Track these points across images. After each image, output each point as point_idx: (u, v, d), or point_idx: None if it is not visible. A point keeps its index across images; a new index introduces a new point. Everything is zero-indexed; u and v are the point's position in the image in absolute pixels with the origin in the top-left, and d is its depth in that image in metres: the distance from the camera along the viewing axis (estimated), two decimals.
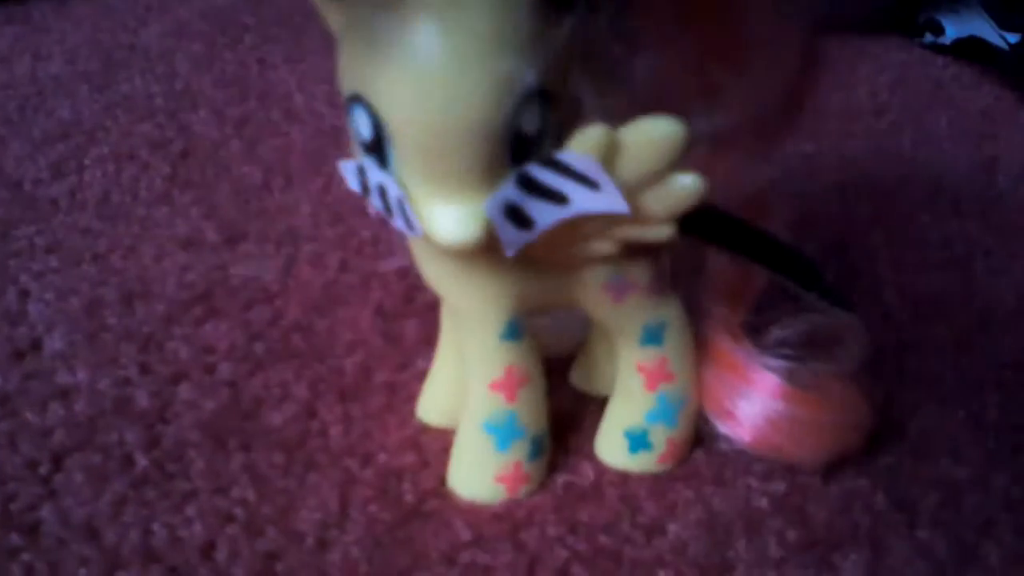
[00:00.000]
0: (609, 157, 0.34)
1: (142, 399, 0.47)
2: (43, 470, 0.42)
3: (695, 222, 0.37)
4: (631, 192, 0.35)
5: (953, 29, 0.91)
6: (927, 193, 0.68)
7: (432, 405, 0.46)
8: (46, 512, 0.41)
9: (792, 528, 0.41)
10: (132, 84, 0.80)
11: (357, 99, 0.33)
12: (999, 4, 0.88)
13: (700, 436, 0.45)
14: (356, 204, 0.63)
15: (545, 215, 0.34)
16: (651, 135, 0.34)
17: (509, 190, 0.33)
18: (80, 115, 0.74)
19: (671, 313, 0.42)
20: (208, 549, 0.39)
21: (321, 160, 0.68)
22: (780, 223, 0.43)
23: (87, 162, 0.68)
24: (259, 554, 0.39)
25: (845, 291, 0.51)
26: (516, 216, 0.34)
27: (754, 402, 0.42)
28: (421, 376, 0.47)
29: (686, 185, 0.35)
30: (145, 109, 0.76)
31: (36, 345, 0.50)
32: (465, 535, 0.40)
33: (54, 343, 0.50)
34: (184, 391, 0.47)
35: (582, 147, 0.33)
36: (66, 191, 0.64)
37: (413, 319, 0.52)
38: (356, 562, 0.39)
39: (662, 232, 0.37)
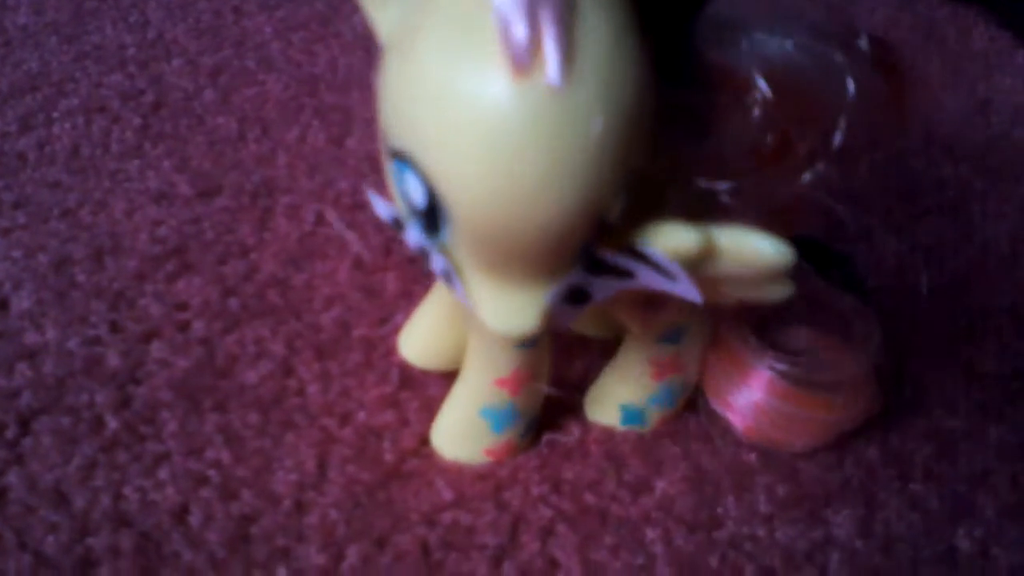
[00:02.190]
0: (701, 262, 0.30)
1: (113, 359, 0.45)
2: (9, 434, 0.41)
3: None
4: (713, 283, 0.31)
5: None
6: (919, 137, 0.67)
7: (416, 345, 0.44)
8: (13, 477, 0.39)
9: (782, 483, 0.40)
10: (103, 34, 0.77)
11: (405, 158, 0.27)
12: None
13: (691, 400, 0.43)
14: (334, 155, 0.61)
15: (605, 290, 0.31)
16: (756, 252, 0.30)
17: (576, 276, 0.30)
18: (48, 66, 0.72)
19: (693, 317, 0.39)
20: (181, 513, 0.38)
21: (298, 110, 0.66)
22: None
23: (56, 115, 0.65)
24: (234, 517, 0.38)
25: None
26: (575, 296, 0.31)
27: (750, 393, 0.41)
28: (401, 331, 0.45)
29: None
30: (116, 59, 0.73)
31: (3, 304, 0.48)
32: (447, 495, 0.39)
33: (21, 302, 0.48)
34: (156, 350, 0.46)
35: (671, 248, 0.29)
36: (34, 144, 0.62)
37: (392, 272, 0.51)
38: (334, 524, 0.38)
39: (782, 293, 0.33)
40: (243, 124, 0.65)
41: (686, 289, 0.30)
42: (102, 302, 0.49)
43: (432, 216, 0.28)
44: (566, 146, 0.25)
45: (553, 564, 0.37)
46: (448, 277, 0.30)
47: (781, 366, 0.40)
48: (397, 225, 0.31)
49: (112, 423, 0.42)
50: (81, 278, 0.50)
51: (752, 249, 0.30)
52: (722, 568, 0.37)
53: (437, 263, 0.30)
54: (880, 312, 0.48)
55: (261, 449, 0.41)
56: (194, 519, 0.38)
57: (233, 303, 0.49)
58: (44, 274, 0.50)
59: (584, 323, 0.46)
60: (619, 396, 0.42)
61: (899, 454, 0.42)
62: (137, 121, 0.65)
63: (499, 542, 0.37)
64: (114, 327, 0.47)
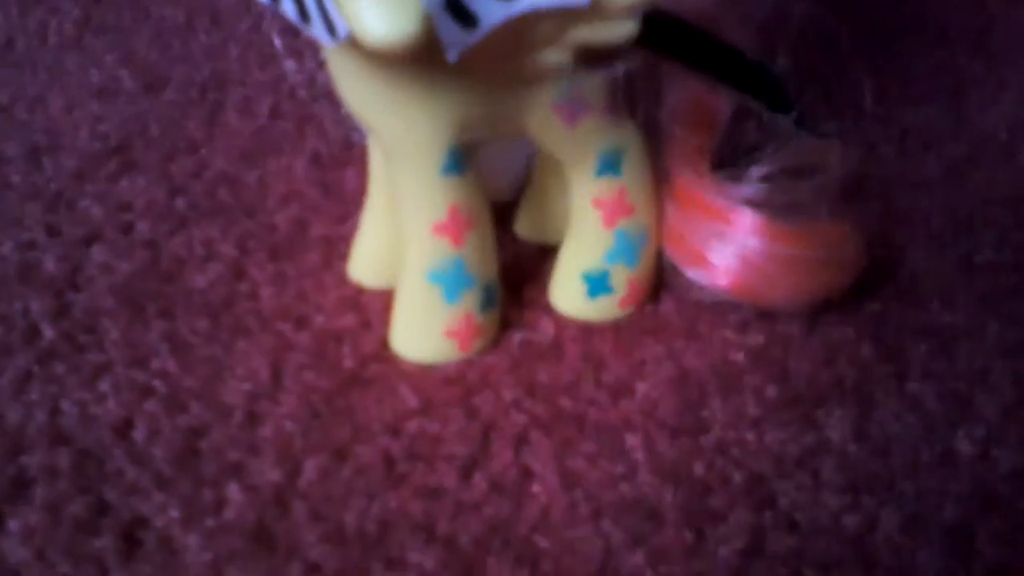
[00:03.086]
0: None
1: (49, 264, 0.42)
2: None
3: (652, 32, 0.33)
4: None
5: None
6: (913, 20, 0.63)
7: (365, 263, 0.41)
8: None
9: (771, 384, 0.38)
10: None
11: None
12: None
13: (669, 286, 0.40)
14: (290, 44, 0.57)
15: (491, 10, 0.29)
16: None
17: None
18: None
19: (629, 139, 0.38)
20: (124, 428, 0.35)
21: None
22: (745, 41, 0.39)
23: None
24: (181, 431, 0.35)
25: (823, 122, 0.47)
26: (458, 11, 0.29)
27: (727, 241, 0.38)
28: None
29: None
30: None
31: None
32: (411, 402, 0.36)
33: None
34: (97, 253, 0.42)
35: None
36: None
37: (352, 167, 0.47)
38: (290, 436, 0.35)
39: (623, 31, 0.32)
40: (191, 14, 0.61)
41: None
42: (38, 204, 0.45)
43: None
44: None
45: (527, 474, 0.34)
46: (321, 4, 0.29)
47: (756, 194, 0.38)
48: None
49: (48, 332, 0.39)
50: (15, 179, 0.47)
51: None
52: (708, 475, 0.34)
53: None
54: (872, 202, 0.46)
55: (211, 357, 0.38)
56: (138, 434, 0.35)
57: (180, 203, 0.45)
58: None
59: (531, 224, 0.44)
60: (577, 263, 0.40)
61: (895, 351, 0.39)
62: (77, 12, 0.60)
63: (469, 452, 0.35)
64: (51, 230, 0.44)
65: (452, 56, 0.30)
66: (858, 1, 0.63)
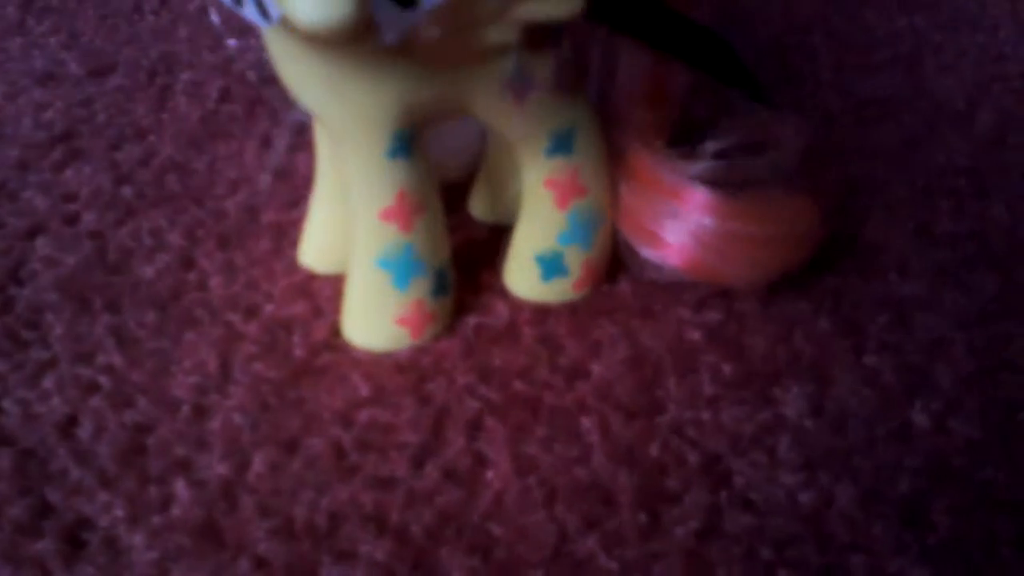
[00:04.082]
0: None
1: None
2: None
3: (602, 7, 0.32)
4: None
5: None
6: None
7: (315, 250, 0.41)
8: None
9: (728, 362, 0.37)
10: None
11: None
12: None
13: (624, 265, 0.40)
14: (240, 23, 0.56)
15: None
16: None
17: None
18: None
19: (581, 117, 0.37)
20: (68, 425, 0.34)
21: None
22: (699, 9, 0.38)
23: None
24: (127, 427, 0.34)
25: (780, 94, 0.46)
26: None
27: (681, 220, 0.38)
28: None
29: None
30: None
31: None
32: (363, 390, 0.36)
33: None
34: (41, 246, 0.41)
35: None
36: None
37: (304, 152, 0.46)
38: (238, 429, 0.34)
39: (569, 6, 0.32)
40: None
41: None
42: None
43: None
44: None
45: (481, 461, 0.34)
46: None
47: (709, 171, 0.37)
48: None
49: None
50: None
51: None
52: (663, 456, 0.34)
53: None
54: (830, 173, 0.46)
55: (158, 350, 0.37)
56: (83, 431, 0.34)
57: (127, 191, 0.44)
58: None
59: (484, 205, 0.44)
60: (531, 245, 0.39)
61: (852, 324, 0.39)
62: None
63: (421, 440, 0.34)
64: None
65: (390, 39, 0.29)
66: None
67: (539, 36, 0.34)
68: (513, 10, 0.32)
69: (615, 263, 0.40)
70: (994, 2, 0.62)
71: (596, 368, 0.37)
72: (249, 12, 0.29)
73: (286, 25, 0.28)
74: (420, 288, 0.37)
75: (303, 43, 0.31)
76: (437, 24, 0.30)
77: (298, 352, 0.37)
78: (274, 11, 0.28)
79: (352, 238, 0.37)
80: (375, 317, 0.37)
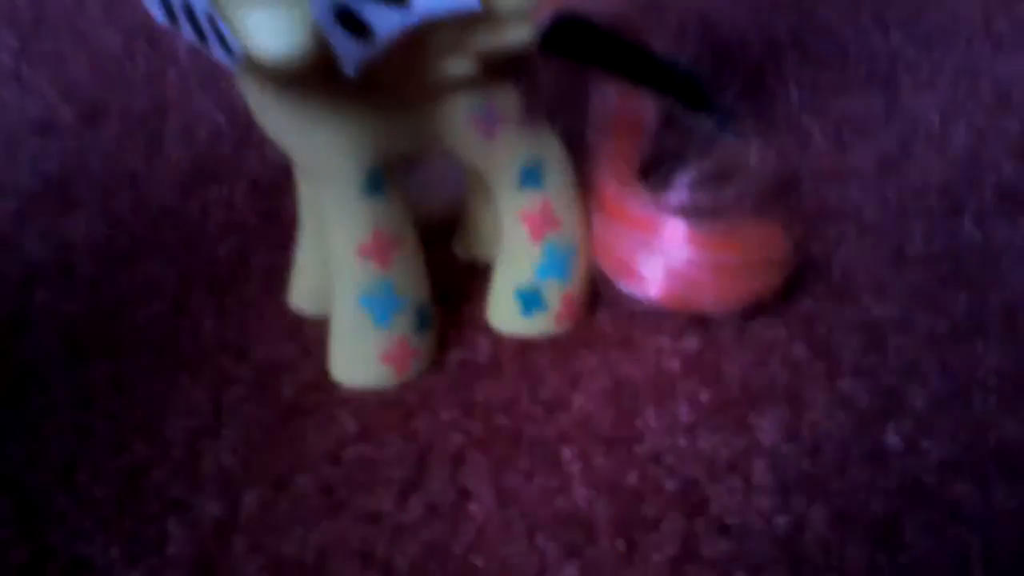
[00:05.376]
0: None
1: None
2: None
3: (558, 36, 0.33)
4: None
5: None
6: (848, 3, 0.64)
7: (302, 291, 0.42)
8: None
9: (705, 389, 0.38)
10: None
11: None
12: None
13: (603, 298, 0.41)
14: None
15: (384, 20, 0.30)
16: None
17: None
18: None
19: (549, 150, 0.38)
20: (67, 471, 0.36)
21: None
22: (663, 36, 0.39)
23: None
24: (123, 470, 0.36)
25: (758, 115, 0.47)
26: (350, 22, 0.29)
27: (655, 252, 0.39)
28: None
29: None
30: None
31: None
32: (350, 428, 0.37)
33: None
34: (40, 295, 0.43)
35: None
36: None
37: (292, 193, 0.47)
38: (230, 470, 0.35)
39: (520, 35, 0.33)
40: (129, 38, 0.61)
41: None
42: None
43: None
44: None
45: (464, 494, 0.35)
46: (213, 23, 0.29)
47: (681, 201, 0.39)
48: (171, 18, 0.30)
49: None
50: None
51: None
52: (641, 484, 0.35)
53: (199, 6, 0.29)
54: (805, 196, 0.47)
55: (153, 394, 0.38)
56: (81, 476, 0.35)
57: (122, 239, 0.46)
58: None
59: (467, 244, 0.45)
60: (510, 280, 0.40)
61: (826, 349, 0.40)
62: (13, 42, 0.60)
63: (406, 475, 0.35)
64: None
65: (350, 70, 0.30)
66: None
67: (501, 69, 0.35)
68: (467, 41, 0.33)
69: (595, 295, 0.41)
70: (967, 18, 0.63)
71: (577, 399, 0.38)
72: (215, 50, 0.30)
73: (250, 65, 0.30)
74: (402, 324, 0.38)
75: (272, 83, 0.32)
76: (396, 56, 0.31)
77: (287, 393, 0.38)
78: (236, 47, 0.29)
79: (332, 277, 0.38)
80: (360, 355, 0.38)
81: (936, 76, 0.57)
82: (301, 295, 0.42)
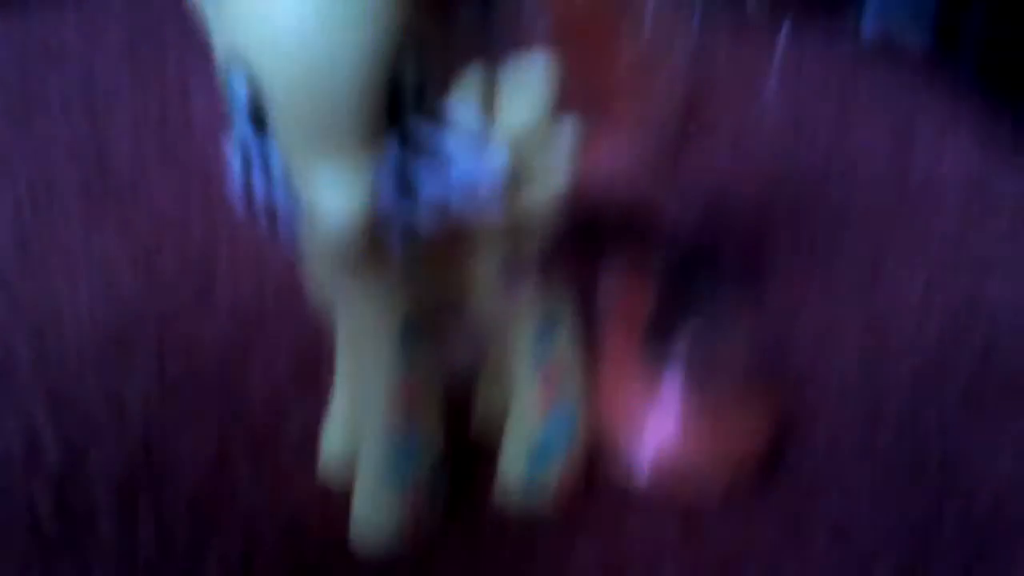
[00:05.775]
0: (488, 101, 0.33)
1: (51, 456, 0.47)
2: None
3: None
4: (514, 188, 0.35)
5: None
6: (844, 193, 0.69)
7: (334, 446, 0.46)
8: None
9: None
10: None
11: (231, 60, 0.30)
12: None
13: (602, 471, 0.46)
14: None
15: (427, 181, 0.33)
16: (530, 73, 0.34)
17: (393, 150, 0.31)
18: None
19: (562, 309, 0.42)
20: None
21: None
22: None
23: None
24: None
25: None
26: (402, 184, 0.32)
27: (645, 445, 0.44)
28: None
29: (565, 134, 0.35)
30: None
31: None
32: None
33: None
34: (95, 453, 0.47)
35: (460, 91, 0.32)
36: None
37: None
38: None
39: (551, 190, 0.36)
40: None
41: (492, 156, 0.33)
42: (41, 392, 0.50)
43: (256, 111, 0.30)
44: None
45: None
46: (285, 180, 0.32)
47: (673, 391, 0.43)
48: (247, 169, 0.32)
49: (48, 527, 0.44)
50: (23, 367, 0.52)
51: (524, 68, 0.34)
52: None
53: (273, 163, 0.31)
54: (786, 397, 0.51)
55: (191, 553, 0.43)
56: None
57: (171, 399, 0.50)
58: None
59: (483, 423, 0.48)
60: (520, 439, 0.44)
61: (797, 542, 0.44)
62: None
63: None
64: (56, 422, 0.49)
65: (397, 251, 0.34)
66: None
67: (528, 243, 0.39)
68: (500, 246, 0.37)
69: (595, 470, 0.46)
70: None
71: None
72: (283, 228, 0.33)
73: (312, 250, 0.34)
74: (418, 488, 0.42)
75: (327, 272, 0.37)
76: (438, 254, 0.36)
77: (310, 559, 0.43)
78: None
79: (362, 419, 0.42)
80: (376, 520, 0.42)
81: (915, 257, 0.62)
82: (331, 462, 0.46)
